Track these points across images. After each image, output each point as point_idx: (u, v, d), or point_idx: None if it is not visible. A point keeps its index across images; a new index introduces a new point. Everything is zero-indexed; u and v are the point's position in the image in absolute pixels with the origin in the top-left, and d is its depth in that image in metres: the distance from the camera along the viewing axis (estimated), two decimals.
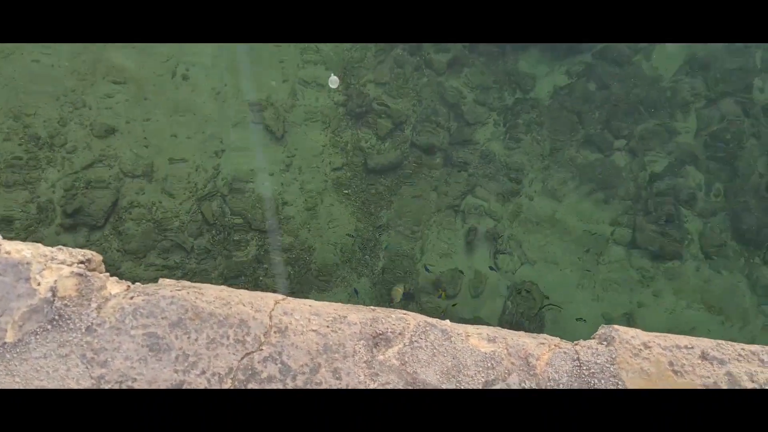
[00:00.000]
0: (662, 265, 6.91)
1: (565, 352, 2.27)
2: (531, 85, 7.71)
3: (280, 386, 2.23)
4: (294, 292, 7.05)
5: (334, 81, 7.22)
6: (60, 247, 2.94)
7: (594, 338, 2.31)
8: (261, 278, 6.83)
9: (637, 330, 2.30)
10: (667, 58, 7.86)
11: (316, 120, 7.47)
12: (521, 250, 7.11)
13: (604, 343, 2.28)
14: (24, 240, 2.94)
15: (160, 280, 2.65)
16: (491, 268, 6.84)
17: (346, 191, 7.40)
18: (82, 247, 3.27)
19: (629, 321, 6.57)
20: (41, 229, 6.46)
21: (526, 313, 6.64)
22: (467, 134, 7.67)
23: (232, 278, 6.79)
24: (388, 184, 7.40)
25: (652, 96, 7.59)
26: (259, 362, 2.27)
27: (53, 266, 2.36)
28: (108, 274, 2.57)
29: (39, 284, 2.26)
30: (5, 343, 2.16)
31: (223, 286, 2.57)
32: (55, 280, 2.29)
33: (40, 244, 2.92)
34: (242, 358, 2.27)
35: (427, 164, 7.60)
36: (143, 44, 7.26)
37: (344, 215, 7.33)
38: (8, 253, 2.64)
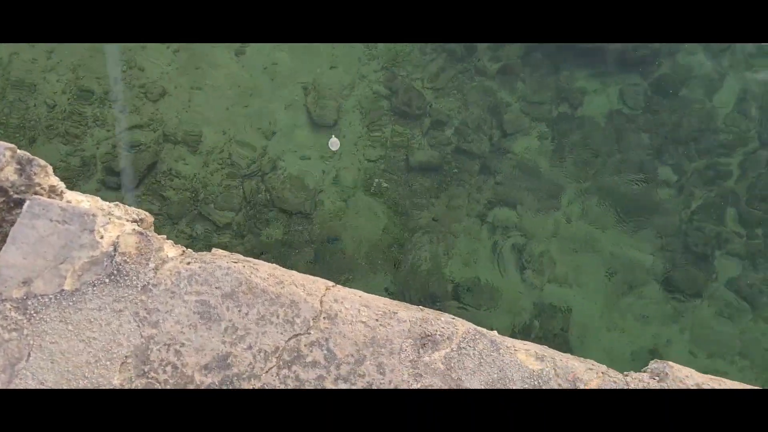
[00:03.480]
0: (690, 303, 6.80)
1: (614, 382, 2.22)
2: (580, 101, 7.58)
3: (323, 372, 2.22)
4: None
5: (334, 143, 7.01)
6: (117, 203, 2.98)
7: (646, 372, 2.26)
8: (287, 260, 6.86)
9: (692, 370, 2.25)
10: (726, 92, 7.65)
11: (361, 111, 7.47)
12: (552, 269, 7.02)
13: (656, 378, 2.22)
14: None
15: (214, 250, 2.66)
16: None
17: (385, 185, 7.39)
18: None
19: (654, 356, 6.48)
20: (80, 183, 6.57)
21: (550, 331, 6.57)
22: (508, 144, 7.60)
23: (258, 256, 6.83)
24: (426, 184, 7.37)
25: (704, 132, 7.43)
26: (305, 345, 2.26)
27: (116, 221, 2.38)
28: (165, 236, 2.59)
29: (102, 237, 2.28)
30: (63, 290, 2.19)
31: (275, 264, 2.57)
32: (118, 236, 2.31)
33: (98, 198, 2.95)
34: (289, 339, 2.27)
35: (467, 169, 7.56)
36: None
37: (377, 211, 7.32)
38: (69, 202, 2.67)
